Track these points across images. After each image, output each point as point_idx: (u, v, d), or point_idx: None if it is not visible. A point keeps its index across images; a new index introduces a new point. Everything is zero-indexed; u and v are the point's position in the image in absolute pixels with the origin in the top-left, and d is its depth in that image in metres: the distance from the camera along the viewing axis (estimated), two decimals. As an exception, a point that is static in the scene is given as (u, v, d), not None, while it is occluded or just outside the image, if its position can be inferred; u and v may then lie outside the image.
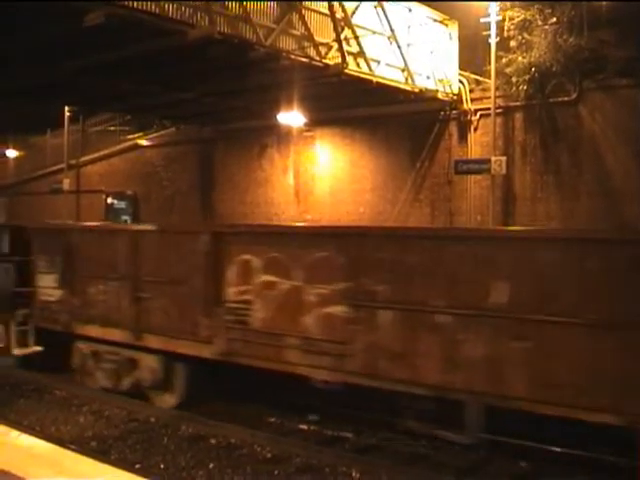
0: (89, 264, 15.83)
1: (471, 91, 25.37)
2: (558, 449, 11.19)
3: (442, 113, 25.63)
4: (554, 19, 22.88)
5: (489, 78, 23.94)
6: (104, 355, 15.57)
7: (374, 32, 22.10)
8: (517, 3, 24.02)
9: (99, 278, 15.59)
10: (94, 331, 15.61)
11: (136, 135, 36.85)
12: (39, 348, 17.18)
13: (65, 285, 16.38)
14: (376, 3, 22.03)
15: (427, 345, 10.99)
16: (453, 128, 25.56)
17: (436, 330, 10.88)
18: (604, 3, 21.78)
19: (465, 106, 25.10)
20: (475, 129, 24.98)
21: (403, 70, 23.35)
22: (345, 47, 20.58)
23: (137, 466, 11.11)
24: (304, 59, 20.10)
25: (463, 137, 25.26)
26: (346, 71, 20.92)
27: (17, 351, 17.25)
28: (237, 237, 13.59)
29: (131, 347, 14.91)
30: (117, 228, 16.85)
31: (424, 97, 24.53)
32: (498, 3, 23.36)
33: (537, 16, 23.42)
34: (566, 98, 22.69)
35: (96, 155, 38.68)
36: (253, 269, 12.95)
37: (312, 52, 20.22)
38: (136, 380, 14.92)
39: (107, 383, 15.44)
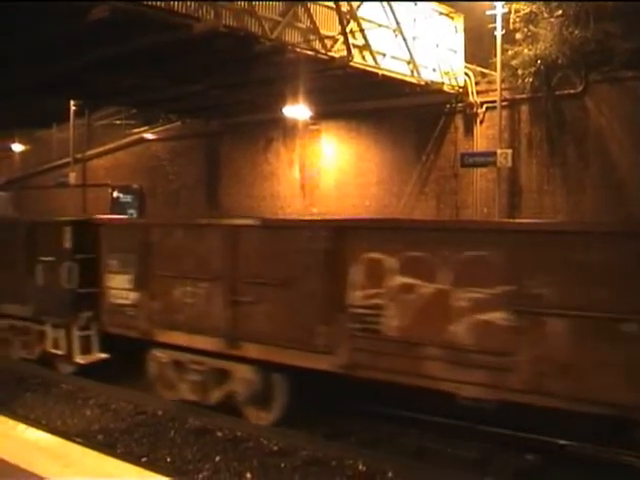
0: (173, 263, 14.11)
1: (477, 84, 25.32)
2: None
3: (448, 106, 25.59)
4: (560, 11, 22.81)
5: (495, 71, 23.89)
6: (188, 365, 13.87)
7: (380, 25, 22.08)
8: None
9: (185, 279, 13.87)
10: (178, 338, 13.89)
11: (142, 129, 36.87)
12: (104, 355, 15.78)
13: (142, 287, 14.65)
14: (382, -4, 22.04)
15: (610, 358, 9.47)
16: (459, 121, 25.52)
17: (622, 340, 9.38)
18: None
19: (471, 99, 25.06)
20: (481, 122, 24.94)
21: (409, 63, 23.33)
22: (351, 40, 20.57)
23: (144, 459, 11.12)
24: (310, 52, 20.10)
25: (469, 130, 25.22)
26: (352, 64, 20.92)
27: (80, 359, 15.74)
28: (364, 233, 11.92)
29: (222, 356, 13.29)
30: (208, 223, 14.87)
31: (430, 90, 24.50)
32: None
33: (543, 8, 23.35)
34: (572, 90, 22.63)
35: (102, 149, 38.71)
36: (386, 270, 11.28)
37: (318, 45, 20.22)
38: (227, 393, 13.34)
39: (191, 396, 13.78)
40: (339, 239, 11.86)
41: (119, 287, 15.09)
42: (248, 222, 13.92)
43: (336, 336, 11.79)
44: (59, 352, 16.14)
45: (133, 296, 14.82)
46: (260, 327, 12.66)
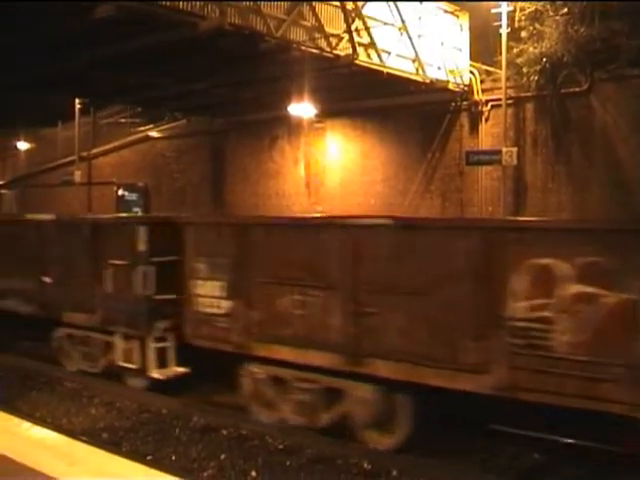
0: (278, 269, 12.50)
1: (482, 82, 25.31)
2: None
3: (453, 104, 25.58)
4: (565, 9, 22.78)
5: (500, 69, 23.85)
6: (292, 383, 12.35)
7: (385, 23, 22.10)
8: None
9: (293, 287, 12.23)
10: (283, 353, 12.31)
11: (147, 127, 36.92)
12: (184, 370, 14.20)
13: (238, 295, 13.03)
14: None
15: None
16: (464, 119, 25.50)
17: None
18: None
19: (476, 97, 25.05)
20: (486, 120, 24.92)
21: (414, 61, 23.33)
22: (356, 38, 20.57)
23: (149, 457, 11.12)
24: (315, 50, 20.10)
25: (474, 128, 25.20)
26: (357, 62, 20.93)
27: (156, 373, 14.15)
28: (529, 235, 10.38)
29: (335, 374, 11.82)
30: (324, 222, 13.17)
31: (435, 88, 24.49)
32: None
33: (548, 6, 23.32)
34: (577, 89, 22.61)
35: (107, 147, 38.79)
36: (557, 278, 9.87)
37: (323, 43, 20.23)
38: (341, 415, 11.85)
39: (295, 417, 12.35)
40: (498, 242, 10.41)
41: (208, 295, 13.51)
42: (376, 221, 12.18)
43: (491, 353, 10.31)
44: (131, 366, 14.58)
45: (226, 305, 13.26)
46: (389, 342, 11.13)
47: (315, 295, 11.96)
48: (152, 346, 14.15)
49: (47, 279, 16.39)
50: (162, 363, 14.15)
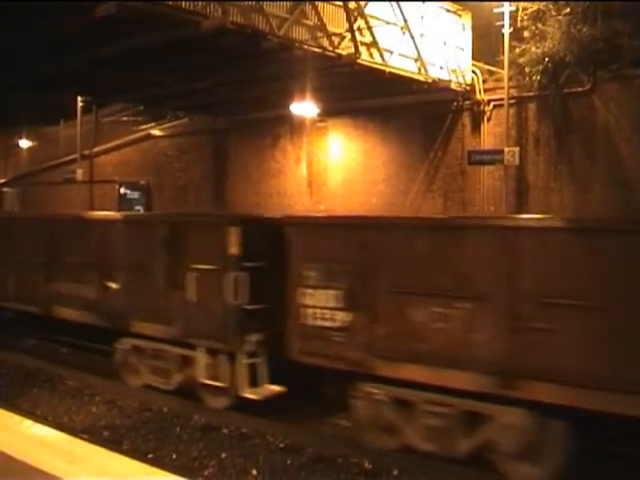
0: (411, 276, 11.11)
1: (484, 81, 25.28)
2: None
3: (455, 103, 25.54)
4: (568, 9, 22.75)
5: (502, 68, 23.83)
6: (420, 406, 11.05)
7: (387, 22, 22.07)
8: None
9: (432, 297, 10.82)
10: (417, 373, 10.91)
11: (149, 125, 36.90)
12: (279, 389, 12.80)
13: (358, 306, 11.60)
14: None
15: None
16: (466, 118, 25.47)
17: None
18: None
19: (478, 96, 25.02)
20: (488, 119, 24.90)
21: (416, 60, 23.31)
22: (358, 37, 20.55)
23: (150, 456, 11.14)
24: (317, 49, 20.09)
25: (476, 127, 25.18)
26: (359, 61, 20.91)
27: (250, 393, 12.71)
28: None
29: (473, 396, 10.49)
30: (470, 223, 11.61)
31: (437, 87, 24.46)
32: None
33: (551, 6, 23.30)
34: (580, 88, 22.57)
35: (109, 145, 38.76)
36: None
37: (325, 42, 20.21)
38: (483, 443, 10.59)
39: (426, 443, 11.07)
40: None
41: (319, 305, 12.04)
42: (543, 222, 10.84)
43: None
44: (218, 384, 13.13)
45: (342, 317, 11.80)
46: (560, 362, 9.65)
47: (460, 307, 10.60)
48: (244, 362, 12.74)
49: (112, 285, 15.03)
50: (255, 381, 12.79)
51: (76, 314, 15.95)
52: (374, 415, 11.52)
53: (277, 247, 12.47)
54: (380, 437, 11.51)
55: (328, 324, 11.89)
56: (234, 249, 12.63)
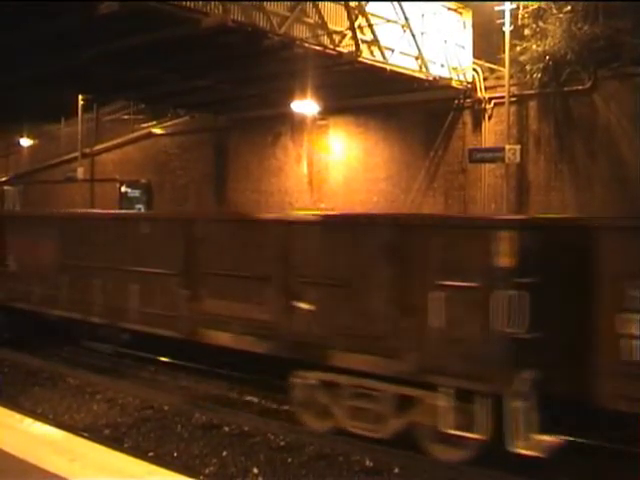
0: None
1: (485, 79, 25.25)
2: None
3: (456, 102, 25.52)
4: (569, 7, 22.74)
5: (503, 66, 23.80)
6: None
7: (388, 20, 22.07)
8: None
9: None
10: None
11: (150, 124, 36.87)
12: (555, 440, 9.90)
13: None
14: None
15: None
16: (467, 117, 25.45)
17: None
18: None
19: (479, 94, 24.99)
20: (489, 117, 24.87)
21: (417, 58, 23.31)
22: (359, 35, 20.56)
23: (150, 454, 11.13)
24: (318, 47, 20.10)
25: (477, 126, 25.15)
26: (360, 59, 20.92)
27: (521, 447, 9.72)
28: None
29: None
30: None
31: (438, 85, 24.45)
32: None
33: (552, 4, 23.29)
34: (580, 87, 22.55)
35: (110, 144, 38.74)
36: None
37: (326, 40, 20.22)
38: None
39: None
40: None
41: None
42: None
43: None
44: (471, 435, 10.23)
45: None
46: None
47: None
48: (512, 407, 9.75)
49: (302, 305, 11.98)
50: (526, 432, 9.80)
51: (236, 340, 13.03)
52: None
53: (566, 257, 10.02)
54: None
55: None
56: (503, 261, 9.85)
